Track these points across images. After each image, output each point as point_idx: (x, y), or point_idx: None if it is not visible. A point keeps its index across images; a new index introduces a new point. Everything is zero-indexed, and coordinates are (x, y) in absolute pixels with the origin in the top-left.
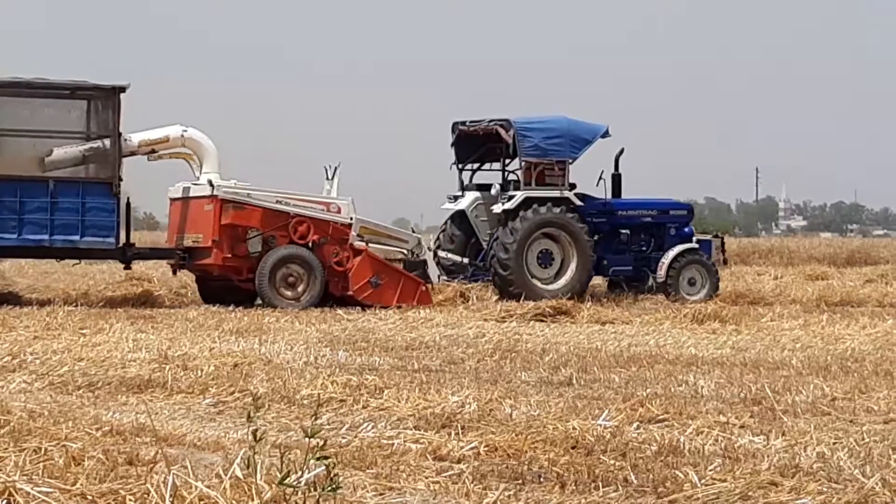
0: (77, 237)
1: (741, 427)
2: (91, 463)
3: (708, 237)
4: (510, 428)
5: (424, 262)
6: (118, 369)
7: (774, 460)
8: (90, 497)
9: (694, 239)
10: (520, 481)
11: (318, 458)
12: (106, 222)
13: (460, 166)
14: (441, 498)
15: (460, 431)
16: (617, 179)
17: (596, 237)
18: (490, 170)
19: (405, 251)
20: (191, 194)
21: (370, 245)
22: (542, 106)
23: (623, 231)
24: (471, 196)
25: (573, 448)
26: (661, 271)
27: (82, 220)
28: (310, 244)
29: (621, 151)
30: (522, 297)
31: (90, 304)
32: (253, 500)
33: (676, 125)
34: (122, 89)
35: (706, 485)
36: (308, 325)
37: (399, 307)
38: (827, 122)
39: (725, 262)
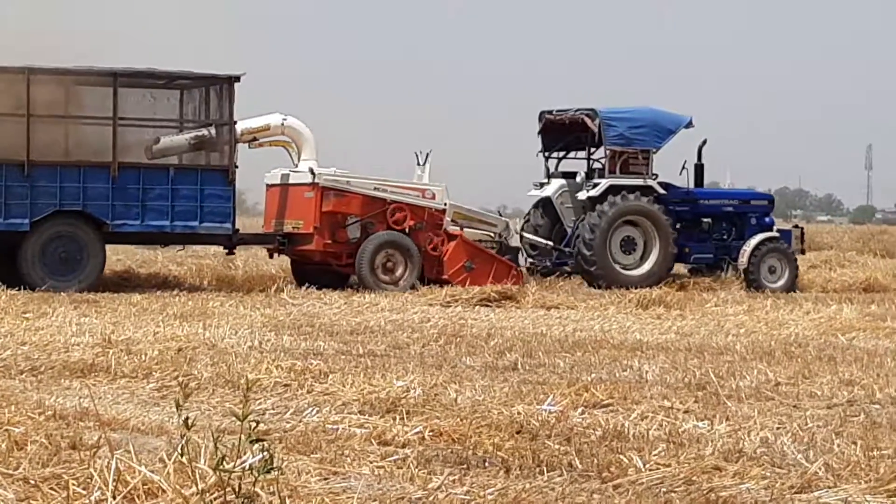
0: (196, 223)
1: (685, 412)
2: (34, 447)
3: (788, 227)
4: (455, 413)
5: (513, 247)
6: (61, 353)
7: (718, 445)
8: (33, 482)
9: (775, 228)
10: (464, 466)
11: (251, 441)
12: (223, 208)
13: (546, 154)
14: (386, 482)
15: (405, 416)
16: (699, 169)
17: (678, 225)
18: (575, 158)
19: (493, 234)
20: (290, 181)
21: (465, 230)
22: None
23: (705, 220)
24: (556, 183)
25: (518, 433)
26: (744, 258)
27: (201, 207)
28: (407, 229)
29: (704, 142)
30: (605, 283)
31: (33, 288)
32: (196, 484)
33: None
34: (237, 78)
35: (650, 469)
36: (252, 310)
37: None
38: (771, 108)
39: (803, 251)
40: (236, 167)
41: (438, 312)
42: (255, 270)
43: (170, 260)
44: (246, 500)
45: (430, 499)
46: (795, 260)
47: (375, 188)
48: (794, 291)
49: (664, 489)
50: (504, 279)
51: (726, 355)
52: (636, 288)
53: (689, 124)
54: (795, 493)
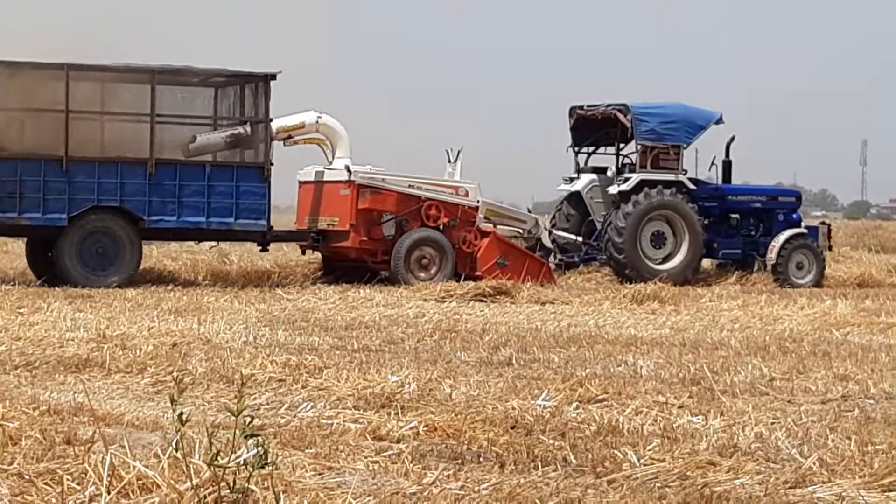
0: (231, 220)
1: (680, 407)
2: (28, 442)
3: (816, 224)
4: (450, 408)
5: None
6: (56, 348)
7: (713, 440)
8: (27, 477)
9: (803, 225)
10: (459, 461)
11: (245, 437)
12: (258, 205)
13: (576, 149)
14: (380, 478)
15: (400, 411)
16: (727, 165)
17: (707, 221)
18: (605, 153)
19: (523, 230)
20: (325, 178)
21: (498, 227)
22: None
23: (733, 215)
24: (586, 178)
25: (512, 428)
26: (772, 254)
27: (236, 204)
28: (441, 227)
29: (732, 138)
30: (633, 277)
31: (28, 283)
32: (191, 479)
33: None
34: (273, 76)
35: (645, 464)
36: (247, 305)
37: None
38: (765, 104)
39: (830, 248)
40: (272, 164)
41: (433, 307)
42: (250, 266)
43: (164, 255)
44: (240, 496)
45: (425, 494)
46: (823, 256)
47: (410, 185)
48: (819, 284)
49: (658, 484)
50: (536, 275)
51: (721, 350)
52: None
53: (720, 120)
54: (790, 488)
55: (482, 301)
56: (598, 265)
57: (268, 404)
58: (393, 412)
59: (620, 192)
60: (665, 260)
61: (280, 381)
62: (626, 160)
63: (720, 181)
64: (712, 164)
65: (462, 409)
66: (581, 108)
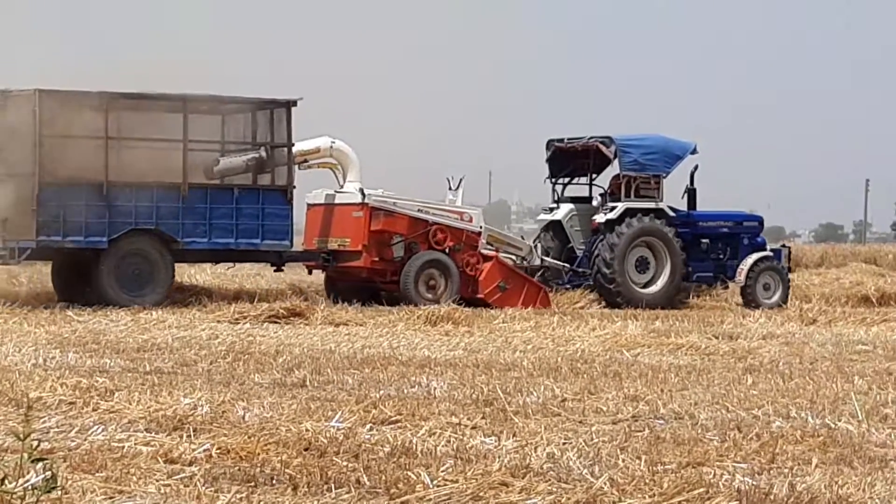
0: (258, 240)
1: (473, 428)
2: None
3: (778, 246)
4: (243, 430)
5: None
6: None
7: (505, 461)
8: None
9: (768, 248)
10: (252, 483)
11: (33, 461)
12: (282, 226)
13: (553, 180)
14: (172, 501)
15: (192, 434)
16: (692, 193)
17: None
18: (578, 183)
19: (518, 256)
20: (336, 201)
21: (500, 252)
22: None
23: (703, 240)
24: (566, 207)
25: (306, 450)
26: (741, 276)
27: (262, 225)
28: (446, 250)
29: (696, 167)
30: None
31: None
32: None
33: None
34: (294, 103)
35: (438, 486)
36: (37, 327)
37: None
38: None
39: (790, 269)
40: (294, 187)
41: (226, 329)
42: (41, 287)
43: None
44: None
45: None
46: (788, 278)
47: (419, 210)
48: (784, 304)
49: None
50: (535, 299)
51: (513, 371)
52: (650, 305)
53: (694, 150)
54: None
55: (276, 322)
56: (583, 290)
57: (57, 427)
58: (185, 435)
59: (608, 221)
60: (648, 284)
61: (70, 403)
62: (600, 190)
63: (686, 208)
64: (685, 192)
65: (255, 431)
66: (560, 140)
